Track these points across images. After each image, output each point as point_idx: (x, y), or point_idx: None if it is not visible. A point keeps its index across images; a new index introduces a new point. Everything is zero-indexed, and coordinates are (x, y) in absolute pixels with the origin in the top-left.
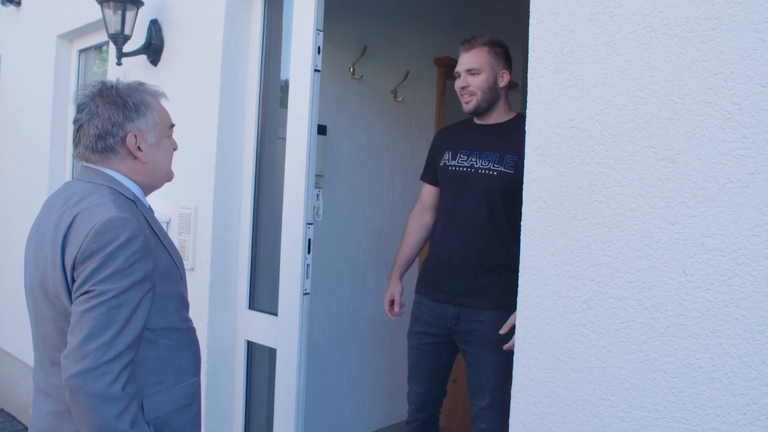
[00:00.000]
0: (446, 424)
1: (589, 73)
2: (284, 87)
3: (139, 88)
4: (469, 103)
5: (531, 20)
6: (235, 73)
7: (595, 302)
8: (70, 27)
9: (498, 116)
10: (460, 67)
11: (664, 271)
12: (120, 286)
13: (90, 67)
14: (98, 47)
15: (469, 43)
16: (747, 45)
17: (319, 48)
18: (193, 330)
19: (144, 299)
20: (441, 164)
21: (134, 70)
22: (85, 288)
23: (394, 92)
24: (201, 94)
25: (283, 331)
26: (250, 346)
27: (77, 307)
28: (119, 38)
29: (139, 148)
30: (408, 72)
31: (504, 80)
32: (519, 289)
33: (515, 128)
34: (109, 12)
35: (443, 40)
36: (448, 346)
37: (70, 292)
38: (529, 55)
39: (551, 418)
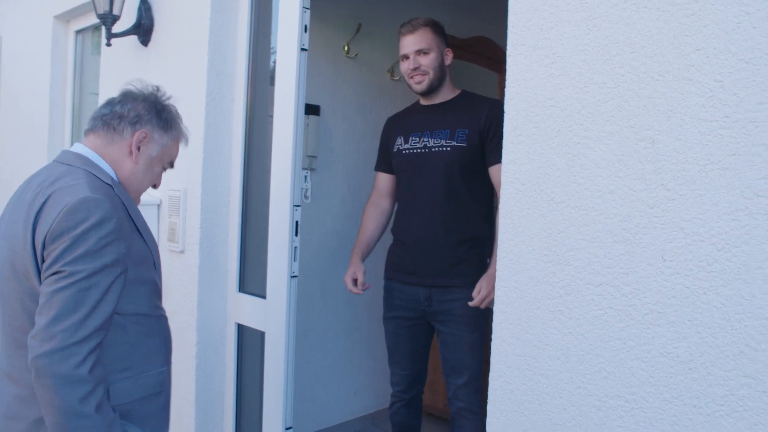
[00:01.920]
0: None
1: (569, 50)
2: (274, 66)
3: (177, 116)
4: (421, 83)
5: None
6: (223, 53)
7: (573, 288)
8: (66, 7)
9: (444, 95)
10: (408, 49)
11: (643, 257)
12: (91, 267)
13: (87, 47)
14: (96, 28)
15: (411, 25)
16: (730, 19)
17: (306, 26)
18: (164, 318)
19: (115, 283)
20: (394, 150)
21: (125, 51)
22: (55, 268)
23: (391, 71)
24: (189, 75)
25: (270, 314)
26: (241, 328)
27: (46, 288)
28: (108, 18)
29: (138, 147)
30: None
31: (448, 58)
32: (497, 274)
33: (462, 103)
34: None
35: (439, 16)
36: (425, 327)
37: (39, 272)
38: (508, 32)
39: (528, 405)
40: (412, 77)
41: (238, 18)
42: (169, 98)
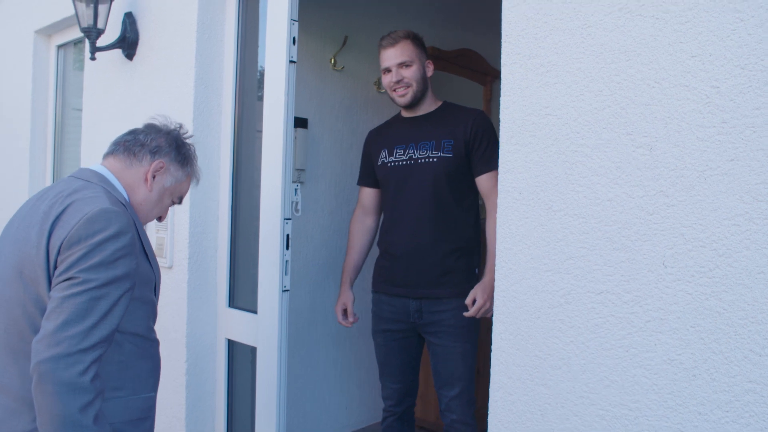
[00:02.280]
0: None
1: (564, 58)
2: (262, 79)
3: (194, 156)
4: (405, 96)
5: (504, 4)
6: (210, 66)
7: (573, 296)
8: (48, 22)
9: (427, 106)
10: (390, 62)
11: (643, 264)
12: (103, 277)
13: (69, 62)
14: (77, 42)
15: (391, 38)
16: (725, 25)
17: (294, 39)
18: (157, 342)
19: (123, 297)
20: (379, 163)
21: (109, 66)
22: (69, 274)
23: (377, 83)
24: (176, 88)
25: (262, 329)
26: (231, 344)
27: (57, 293)
28: (92, 32)
29: (154, 176)
30: None
31: (430, 70)
32: (496, 283)
33: (446, 114)
34: (81, 5)
35: (424, 29)
36: (415, 339)
37: (48, 278)
38: (503, 41)
39: (530, 416)
40: (395, 90)
41: (225, 30)
42: (190, 137)
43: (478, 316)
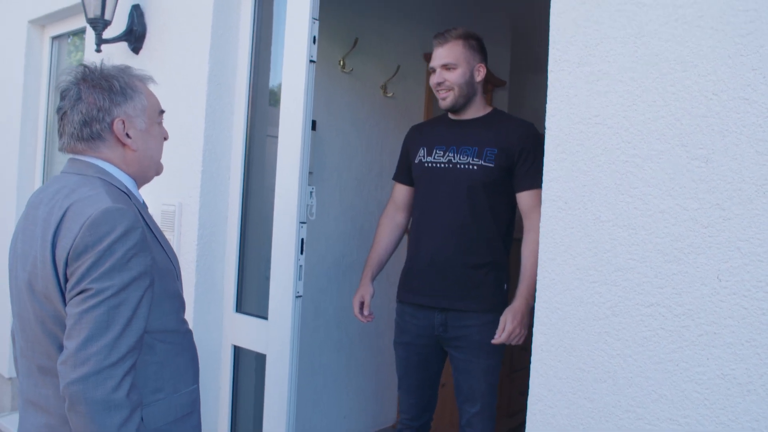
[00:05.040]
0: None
1: (616, 67)
2: (275, 78)
3: (125, 70)
4: (446, 99)
5: (552, 10)
6: (224, 63)
7: (621, 309)
8: (42, 12)
9: (475, 111)
10: (435, 62)
11: (696, 277)
12: (119, 282)
13: (63, 54)
14: (73, 34)
15: (443, 36)
16: None
17: (314, 38)
18: (190, 333)
19: (144, 297)
20: (416, 161)
21: (114, 58)
22: (82, 287)
23: (384, 87)
24: (187, 84)
25: (273, 336)
26: (237, 350)
27: (73, 309)
28: (99, 23)
29: (127, 134)
30: (399, 67)
31: (480, 74)
32: (537, 294)
33: (493, 121)
34: None
35: (432, 29)
36: (437, 353)
37: (62, 292)
38: (550, 48)
39: (571, 430)
40: (437, 92)
41: (239, 27)
42: (99, 63)
43: (507, 342)
